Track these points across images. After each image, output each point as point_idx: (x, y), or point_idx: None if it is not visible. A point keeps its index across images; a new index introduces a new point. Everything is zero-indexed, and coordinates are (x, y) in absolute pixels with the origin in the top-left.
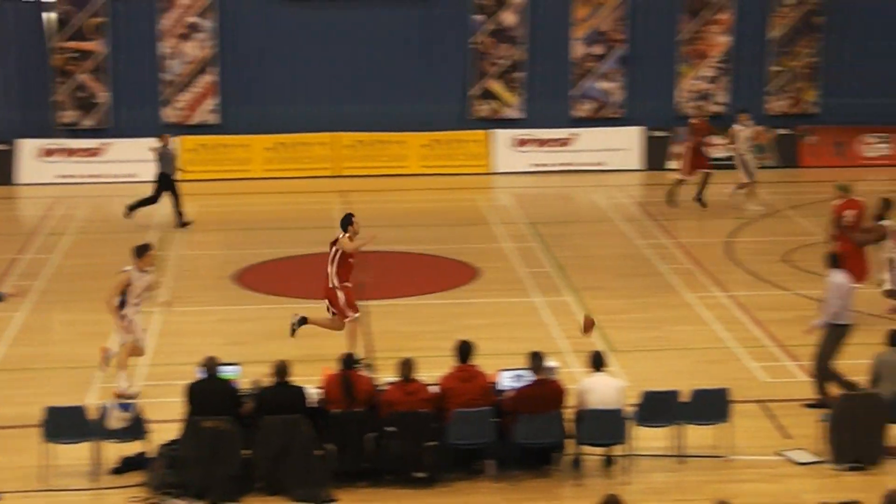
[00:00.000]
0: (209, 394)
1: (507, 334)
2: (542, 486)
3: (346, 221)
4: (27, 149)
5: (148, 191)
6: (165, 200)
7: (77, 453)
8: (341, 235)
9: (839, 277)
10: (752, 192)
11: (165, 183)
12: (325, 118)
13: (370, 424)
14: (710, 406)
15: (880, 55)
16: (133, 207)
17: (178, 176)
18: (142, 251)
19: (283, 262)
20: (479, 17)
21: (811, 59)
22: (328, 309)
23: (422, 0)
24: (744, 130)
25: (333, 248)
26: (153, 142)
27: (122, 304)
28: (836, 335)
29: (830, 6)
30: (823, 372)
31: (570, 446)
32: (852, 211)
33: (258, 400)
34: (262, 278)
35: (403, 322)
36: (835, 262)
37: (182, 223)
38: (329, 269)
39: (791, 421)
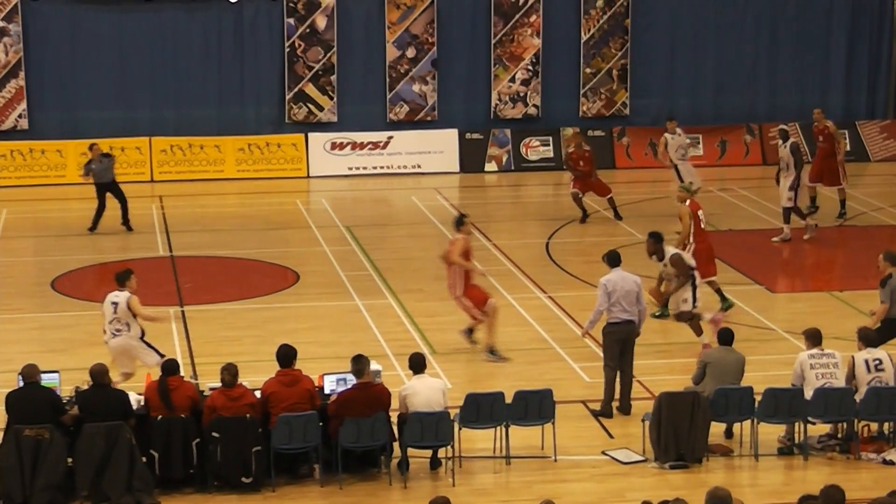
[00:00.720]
0: (30, 401)
1: (329, 338)
2: (370, 489)
3: (459, 222)
4: None
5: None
6: None
7: None
8: (456, 237)
9: (613, 276)
10: None
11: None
12: (140, 123)
13: (194, 430)
14: (535, 407)
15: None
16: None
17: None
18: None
19: (99, 268)
20: (291, 21)
21: (621, 61)
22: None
23: (235, 3)
24: (675, 138)
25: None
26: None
27: None
28: (611, 335)
29: (638, 8)
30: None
31: (397, 449)
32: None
33: (79, 403)
34: (80, 285)
35: (224, 327)
36: (613, 260)
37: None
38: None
39: (613, 421)
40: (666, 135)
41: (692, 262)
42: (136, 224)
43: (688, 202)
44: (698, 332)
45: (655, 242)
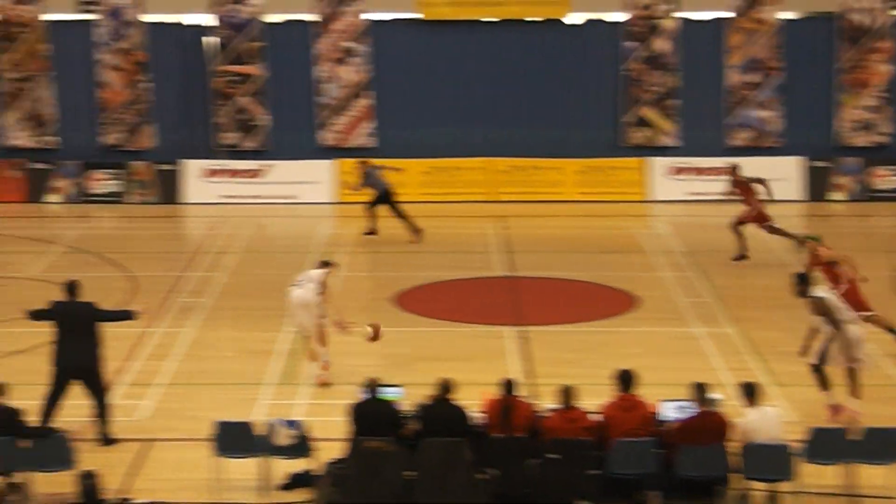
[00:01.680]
0: (372, 415)
1: (667, 364)
2: None
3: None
4: (191, 169)
5: (311, 212)
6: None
7: (246, 468)
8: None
9: None
10: None
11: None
12: (478, 142)
13: (531, 450)
14: (884, 445)
15: None
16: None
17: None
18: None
19: (440, 286)
20: (630, 44)
21: None
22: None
23: (575, 26)
24: None
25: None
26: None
27: None
28: None
29: None
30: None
31: (735, 480)
32: None
33: (421, 416)
34: (421, 301)
35: (561, 349)
36: None
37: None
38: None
39: None
40: None
41: None
42: (475, 244)
43: None
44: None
45: None
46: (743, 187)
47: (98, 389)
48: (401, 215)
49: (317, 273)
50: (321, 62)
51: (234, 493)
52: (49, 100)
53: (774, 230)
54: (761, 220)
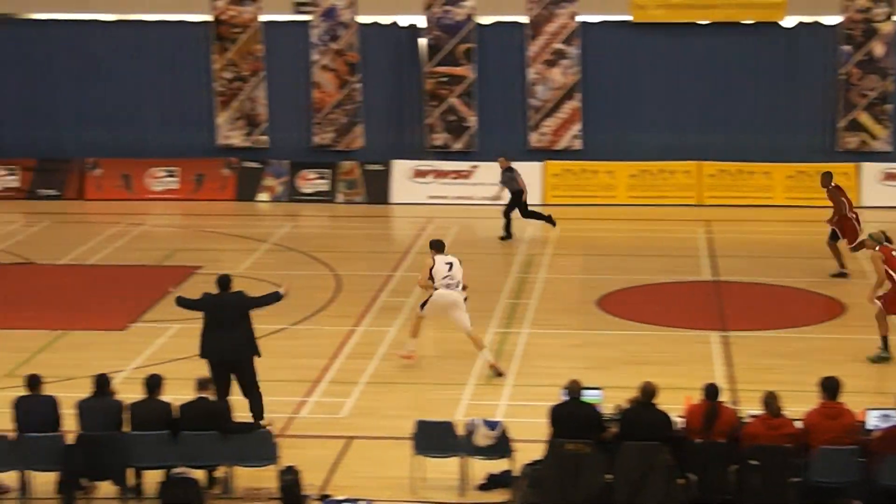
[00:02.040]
0: (572, 417)
1: (873, 373)
2: None
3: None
4: (401, 169)
5: (517, 213)
6: (529, 222)
7: (445, 467)
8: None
9: None
10: None
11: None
12: (685, 146)
13: (732, 456)
14: None
15: None
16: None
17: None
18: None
19: (644, 289)
20: (846, 48)
21: None
22: None
23: (789, 28)
24: None
25: None
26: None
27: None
28: None
29: None
30: None
31: None
32: None
33: (622, 420)
34: (625, 304)
35: (766, 354)
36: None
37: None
38: None
39: None
40: None
41: None
42: (682, 248)
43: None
44: None
45: None
46: None
47: (248, 381)
48: (532, 216)
49: (461, 272)
50: (533, 64)
51: (432, 492)
52: (261, 100)
53: None
54: None
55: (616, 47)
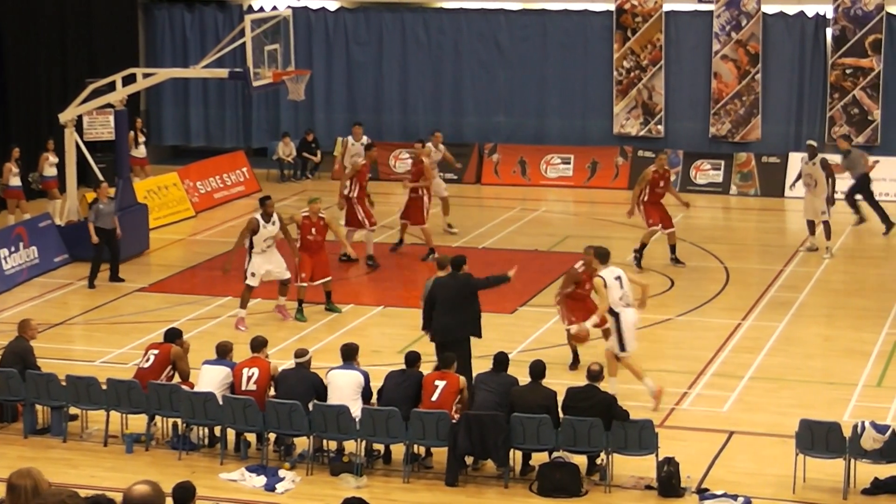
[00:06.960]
0: None
1: None
2: None
3: None
4: (797, 163)
5: None
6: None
7: (828, 468)
8: None
9: None
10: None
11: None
12: None
13: None
14: None
15: None
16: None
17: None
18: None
19: None
20: None
21: None
22: None
23: None
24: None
25: None
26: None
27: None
28: None
29: None
30: None
31: None
32: None
33: None
34: None
35: None
36: None
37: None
38: None
39: None
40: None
41: None
42: None
43: None
44: None
45: None
46: None
47: (462, 360)
48: (875, 205)
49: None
50: None
51: (813, 492)
52: (659, 89)
53: None
54: None
55: None
